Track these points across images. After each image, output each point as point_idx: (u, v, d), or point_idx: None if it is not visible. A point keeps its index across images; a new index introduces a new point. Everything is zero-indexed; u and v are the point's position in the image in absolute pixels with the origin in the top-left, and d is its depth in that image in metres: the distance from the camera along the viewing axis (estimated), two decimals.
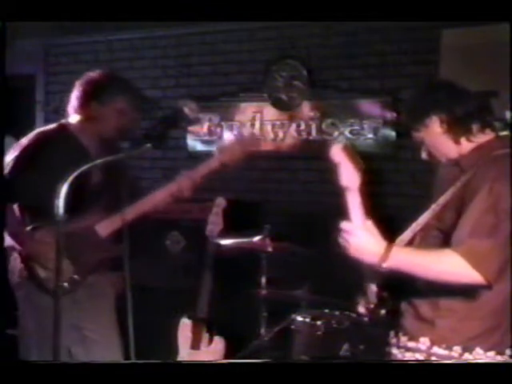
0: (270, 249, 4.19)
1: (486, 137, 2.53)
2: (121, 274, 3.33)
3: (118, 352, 3.59)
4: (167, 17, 2.82)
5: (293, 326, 3.99)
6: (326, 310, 4.02)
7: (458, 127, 2.51)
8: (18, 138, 3.63)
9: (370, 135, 5.09)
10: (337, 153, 2.46)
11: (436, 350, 2.44)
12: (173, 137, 5.37)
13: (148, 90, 5.73)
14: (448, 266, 2.34)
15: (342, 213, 2.50)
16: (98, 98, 3.49)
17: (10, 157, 3.44)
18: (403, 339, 2.52)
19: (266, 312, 4.25)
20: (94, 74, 3.56)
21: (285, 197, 5.33)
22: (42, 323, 3.35)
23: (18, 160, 3.43)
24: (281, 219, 4.89)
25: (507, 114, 4.30)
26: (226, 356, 4.19)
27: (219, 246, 4.17)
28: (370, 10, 2.70)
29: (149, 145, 3.08)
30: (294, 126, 5.36)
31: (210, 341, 4.26)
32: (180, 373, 2.17)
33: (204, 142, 5.71)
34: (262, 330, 4.22)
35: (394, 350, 2.55)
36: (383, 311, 2.58)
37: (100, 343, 3.55)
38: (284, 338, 4.06)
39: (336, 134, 5.20)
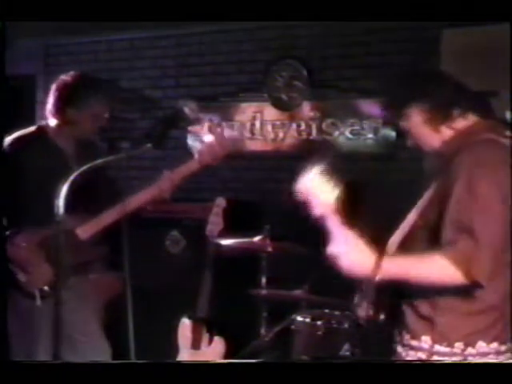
0: (269, 249, 4.19)
1: (467, 122, 2.48)
2: (112, 275, 3.34)
3: (105, 353, 3.61)
4: (167, 17, 2.82)
5: (293, 326, 3.99)
6: (326, 310, 4.02)
7: (437, 115, 2.46)
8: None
9: (370, 135, 5.09)
10: (303, 190, 2.47)
11: (438, 348, 2.42)
12: (173, 137, 5.37)
13: (148, 90, 5.73)
14: (438, 272, 2.32)
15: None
16: (73, 104, 3.51)
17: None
18: (406, 337, 2.50)
19: (266, 312, 4.25)
20: (68, 77, 3.57)
21: (285, 197, 5.32)
22: (25, 326, 3.37)
23: None
24: (281, 219, 4.89)
25: (507, 114, 4.30)
26: (226, 356, 4.19)
27: (219, 246, 4.17)
28: (369, 10, 2.70)
29: (149, 145, 3.08)
30: (294, 126, 5.36)
31: (210, 341, 4.26)
32: (180, 373, 2.17)
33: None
34: (262, 330, 4.22)
35: (399, 348, 2.53)
36: (382, 316, 2.57)
37: (85, 344, 3.56)
38: (284, 338, 4.06)
39: (336, 133, 5.20)
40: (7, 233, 3.45)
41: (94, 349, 3.58)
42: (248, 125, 5.51)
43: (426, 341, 2.44)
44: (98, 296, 3.72)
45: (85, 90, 3.52)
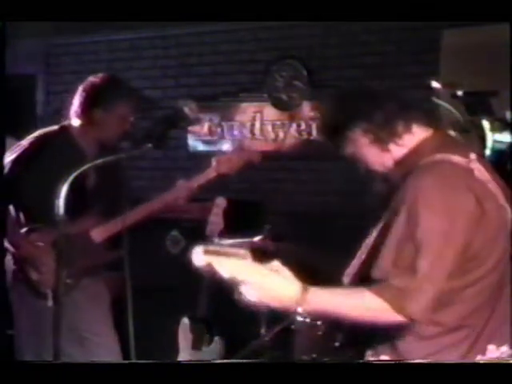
0: (269, 249, 4.19)
1: (415, 137, 2.29)
2: (118, 276, 3.34)
3: (116, 353, 3.60)
4: (167, 17, 2.82)
5: (293, 326, 3.99)
6: None
7: (381, 133, 2.28)
8: (18, 138, 3.63)
9: None
10: (198, 259, 2.16)
11: None
12: (173, 137, 5.36)
13: (148, 90, 5.73)
14: (368, 308, 2.12)
15: (342, 212, 2.49)
16: (100, 105, 3.49)
17: (9, 158, 3.44)
18: (368, 353, 2.37)
19: (266, 312, 4.24)
20: (96, 78, 3.55)
21: (285, 197, 5.33)
22: (36, 326, 3.37)
23: (16, 161, 3.44)
24: (281, 219, 4.89)
25: (507, 115, 4.29)
26: (226, 356, 4.19)
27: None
28: (370, 10, 2.70)
29: (149, 145, 3.08)
30: (294, 126, 5.36)
31: (210, 341, 4.26)
32: (180, 373, 2.17)
33: (204, 142, 5.71)
34: (262, 330, 4.22)
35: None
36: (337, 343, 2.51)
37: (97, 344, 3.56)
38: (284, 339, 4.05)
39: None
40: (23, 230, 3.45)
41: (105, 348, 3.58)
42: (248, 125, 5.52)
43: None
44: (109, 296, 3.72)
45: (112, 92, 3.51)
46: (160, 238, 5.01)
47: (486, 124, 3.22)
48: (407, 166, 2.27)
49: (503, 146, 3.81)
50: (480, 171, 2.24)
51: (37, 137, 3.55)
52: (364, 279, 2.21)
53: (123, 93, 3.55)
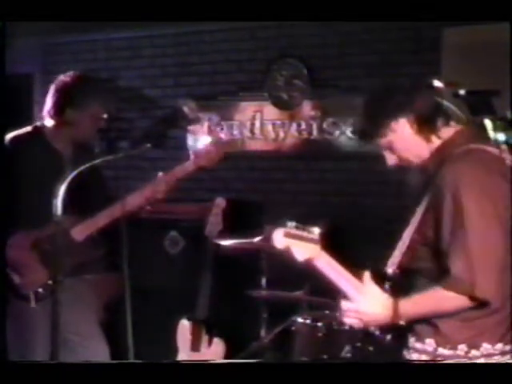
0: (269, 249, 4.16)
1: (450, 130, 2.46)
2: (116, 276, 3.32)
3: (103, 354, 3.59)
4: (167, 17, 2.81)
5: (293, 328, 3.97)
6: (327, 312, 4.00)
7: (426, 125, 2.44)
8: None
9: None
10: (279, 240, 2.46)
11: (441, 350, 2.41)
12: (172, 136, 5.35)
13: (147, 90, 5.71)
14: (448, 304, 2.34)
15: (342, 212, 2.48)
16: (72, 105, 3.50)
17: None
18: (411, 340, 2.49)
19: (266, 313, 4.23)
20: (67, 77, 3.56)
21: (285, 197, 5.30)
22: (20, 329, 3.36)
23: None
24: (281, 219, 4.86)
25: (508, 114, 4.27)
26: (226, 358, 4.18)
27: (219, 246, 4.15)
28: (370, 10, 2.70)
29: (148, 144, 3.07)
30: (294, 125, 5.34)
31: (210, 342, 4.25)
32: (179, 373, 2.17)
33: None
34: (262, 332, 4.21)
35: (404, 351, 2.51)
36: (388, 337, 2.54)
37: (82, 346, 3.55)
38: (284, 340, 4.04)
39: (337, 133, 5.17)
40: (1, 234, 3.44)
41: (88, 349, 3.57)
42: (248, 124, 5.49)
43: (430, 343, 2.43)
44: (94, 297, 3.70)
45: (84, 91, 3.51)
46: (159, 239, 4.99)
47: (488, 123, 3.22)
48: (441, 156, 2.42)
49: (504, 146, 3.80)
50: (510, 161, 2.40)
51: (11, 138, 3.56)
52: (411, 267, 2.42)
53: (95, 91, 3.56)
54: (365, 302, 2.41)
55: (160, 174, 3.50)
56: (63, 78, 3.56)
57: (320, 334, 3.85)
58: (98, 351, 3.59)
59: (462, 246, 2.28)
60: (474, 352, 2.37)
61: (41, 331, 3.39)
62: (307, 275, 4.25)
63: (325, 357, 3.75)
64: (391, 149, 2.53)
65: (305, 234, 2.45)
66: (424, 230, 2.41)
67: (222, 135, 5.46)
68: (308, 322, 3.93)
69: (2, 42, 3.08)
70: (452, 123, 2.47)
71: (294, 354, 3.94)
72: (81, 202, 3.38)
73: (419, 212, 2.44)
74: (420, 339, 2.46)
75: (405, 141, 2.48)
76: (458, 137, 2.45)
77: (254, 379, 2.14)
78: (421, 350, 2.45)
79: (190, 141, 5.71)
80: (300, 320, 3.96)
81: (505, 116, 4.26)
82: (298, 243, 2.44)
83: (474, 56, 4.62)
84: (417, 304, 2.39)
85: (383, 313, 2.39)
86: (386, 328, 2.49)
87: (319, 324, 3.88)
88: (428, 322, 2.43)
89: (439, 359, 2.40)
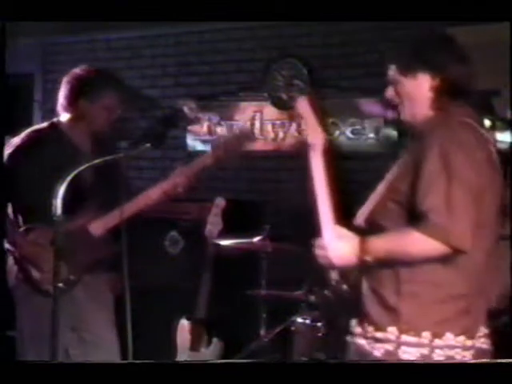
0: (269, 249, 4.17)
1: (459, 107, 2.45)
2: (119, 274, 3.32)
3: (116, 353, 3.57)
4: (166, 17, 2.81)
5: (293, 328, 3.97)
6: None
7: (446, 90, 2.43)
8: (14, 137, 3.61)
9: (372, 135, 5.07)
10: (302, 105, 2.50)
11: (405, 338, 2.36)
12: (172, 136, 5.35)
13: (147, 90, 5.71)
14: (419, 247, 2.31)
15: (342, 213, 2.49)
16: (85, 96, 3.48)
17: (2, 156, 3.42)
18: (369, 329, 2.43)
19: (265, 313, 4.23)
20: (80, 70, 3.54)
21: (285, 197, 5.31)
22: (39, 325, 3.34)
23: (10, 159, 3.42)
24: (281, 219, 4.87)
25: (508, 113, 4.28)
26: (225, 358, 4.18)
27: (218, 246, 4.15)
28: (370, 10, 2.70)
29: (148, 144, 3.06)
30: (294, 125, 5.34)
31: (209, 342, 4.25)
32: (179, 373, 2.17)
33: (204, 142, 5.69)
34: (262, 332, 4.20)
35: (361, 341, 2.46)
36: (345, 286, 2.54)
37: (97, 344, 3.54)
38: (284, 340, 4.04)
39: (337, 133, 5.18)
40: (21, 230, 3.43)
41: (104, 350, 3.55)
42: (248, 124, 5.50)
43: (392, 332, 2.38)
44: (110, 295, 3.69)
45: (97, 82, 3.50)
46: (159, 239, 4.99)
47: (487, 123, 3.23)
48: (434, 121, 2.42)
49: (505, 146, 3.80)
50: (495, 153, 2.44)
51: (28, 134, 3.54)
52: (378, 220, 2.43)
53: (108, 83, 3.54)
54: (332, 238, 2.43)
55: (179, 167, 3.49)
56: (75, 70, 3.55)
57: (320, 334, 3.85)
58: (111, 352, 3.56)
59: (444, 195, 2.27)
60: (437, 341, 2.33)
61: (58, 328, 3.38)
62: (307, 275, 4.28)
63: (324, 357, 3.75)
64: (399, 95, 2.53)
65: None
66: (397, 185, 2.41)
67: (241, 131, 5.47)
68: (308, 322, 3.94)
69: (2, 42, 3.08)
70: (462, 102, 2.46)
71: (293, 354, 3.94)
72: (100, 197, 3.39)
73: (395, 168, 2.48)
74: (381, 328, 2.40)
75: (416, 92, 2.47)
76: (457, 110, 2.43)
77: (254, 379, 2.14)
78: (383, 339, 2.39)
79: (189, 141, 5.72)
80: (299, 320, 3.96)
81: (505, 116, 4.26)
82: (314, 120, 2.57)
83: (474, 56, 4.61)
84: (388, 242, 2.36)
85: (349, 250, 2.40)
86: (347, 274, 2.50)
87: (319, 324, 3.89)
88: (388, 310, 2.39)
89: (403, 347, 2.35)
